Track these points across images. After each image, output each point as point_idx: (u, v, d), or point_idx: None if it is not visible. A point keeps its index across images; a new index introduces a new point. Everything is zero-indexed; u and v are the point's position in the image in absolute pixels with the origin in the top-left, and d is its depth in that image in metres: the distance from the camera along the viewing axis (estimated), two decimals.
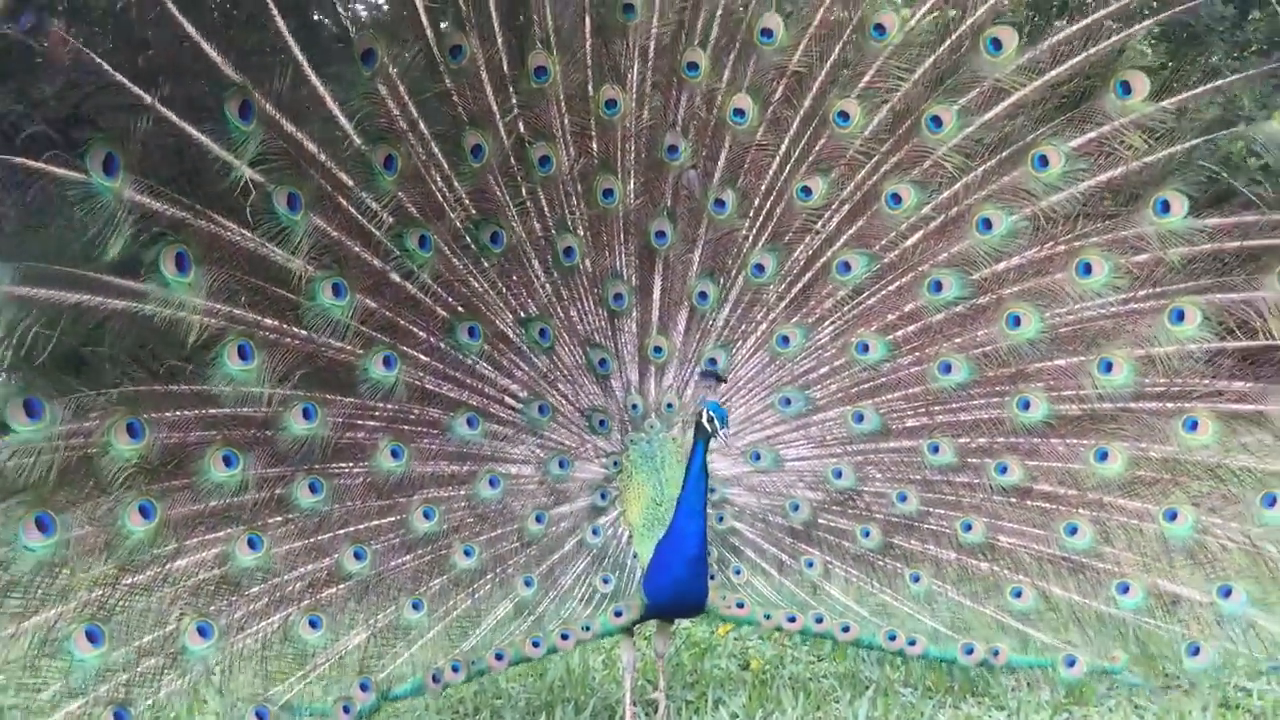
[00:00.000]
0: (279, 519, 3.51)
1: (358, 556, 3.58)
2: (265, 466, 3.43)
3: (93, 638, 3.21)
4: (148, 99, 3.17)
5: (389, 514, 3.66)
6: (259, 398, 3.34)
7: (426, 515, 3.68)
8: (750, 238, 3.92)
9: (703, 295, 3.93)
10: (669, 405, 3.97)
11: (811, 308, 3.93)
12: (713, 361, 3.93)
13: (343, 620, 3.59)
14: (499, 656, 3.75)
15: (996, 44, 3.78)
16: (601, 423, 3.95)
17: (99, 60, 3.17)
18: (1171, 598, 3.76)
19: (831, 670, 4.42)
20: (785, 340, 3.94)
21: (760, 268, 3.91)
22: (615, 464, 3.95)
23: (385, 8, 3.64)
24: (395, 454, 3.62)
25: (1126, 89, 3.74)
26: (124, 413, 3.16)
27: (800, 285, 3.92)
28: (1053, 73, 3.76)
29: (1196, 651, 3.76)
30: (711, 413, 3.62)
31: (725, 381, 3.90)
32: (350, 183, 3.50)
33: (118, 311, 3.12)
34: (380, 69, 3.51)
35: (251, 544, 3.43)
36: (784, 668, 4.48)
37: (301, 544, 3.54)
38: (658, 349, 3.94)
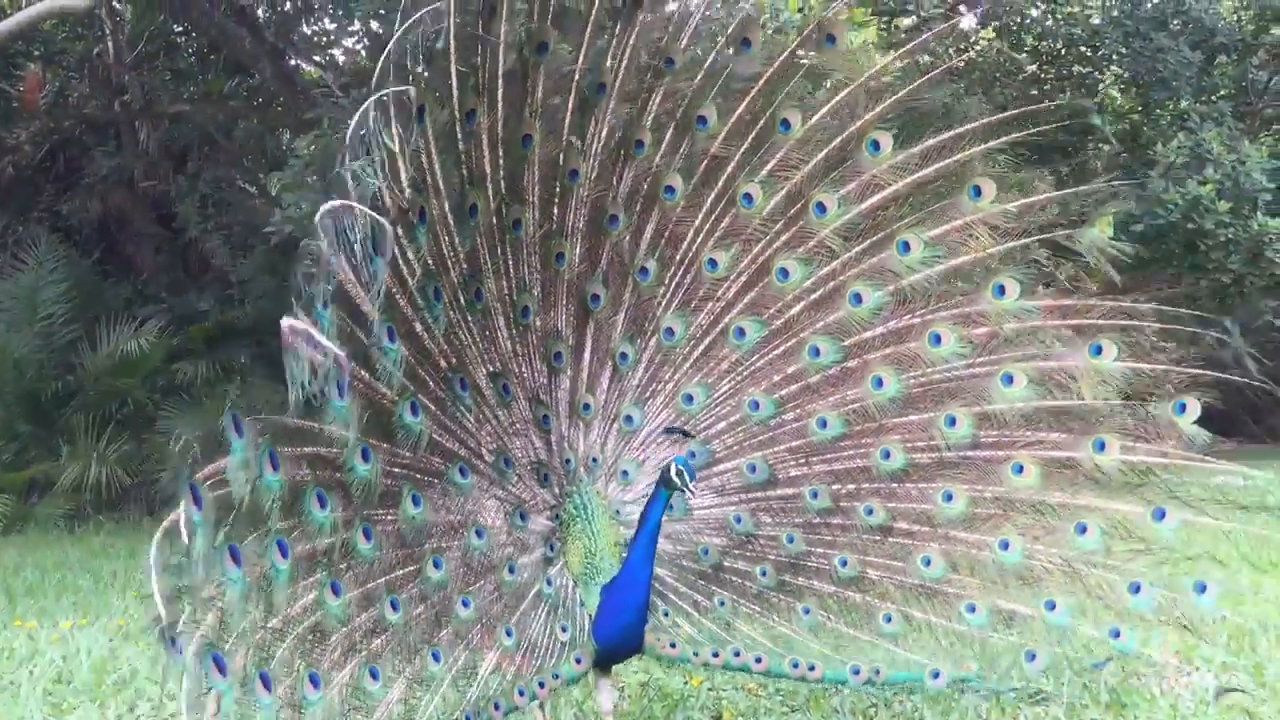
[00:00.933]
0: (343, 565, 3.61)
1: (394, 607, 3.69)
2: (341, 509, 3.54)
3: (265, 683, 3.28)
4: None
5: (409, 563, 3.80)
6: (339, 439, 3.47)
7: (436, 564, 3.82)
8: (664, 303, 4.30)
9: (623, 355, 4.26)
10: (594, 459, 4.27)
11: (711, 368, 4.30)
12: (630, 419, 4.30)
13: (387, 671, 3.67)
14: (496, 706, 3.88)
15: (876, 145, 4.23)
16: (545, 476, 4.19)
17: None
18: (1009, 614, 4.30)
19: None
20: (690, 398, 4.30)
21: (671, 331, 4.29)
22: (556, 516, 4.20)
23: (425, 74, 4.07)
24: (415, 501, 3.77)
25: (978, 192, 4.26)
26: (267, 442, 3.30)
27: (702, 348, 4.30)
28: (920, 173, 4.27)
29: (1033, 657, 4.32)
30: (680, 467, 3.84)
31: (694, 438, 4.17)
32: (401, 234, 3.74)
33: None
34: (425, 127, 3.79)
35: (334, 589, 3.53)
36: (756, 719, 4.66)
37: (359, 592, 3.63)
38: (586, 405, 4.25)
